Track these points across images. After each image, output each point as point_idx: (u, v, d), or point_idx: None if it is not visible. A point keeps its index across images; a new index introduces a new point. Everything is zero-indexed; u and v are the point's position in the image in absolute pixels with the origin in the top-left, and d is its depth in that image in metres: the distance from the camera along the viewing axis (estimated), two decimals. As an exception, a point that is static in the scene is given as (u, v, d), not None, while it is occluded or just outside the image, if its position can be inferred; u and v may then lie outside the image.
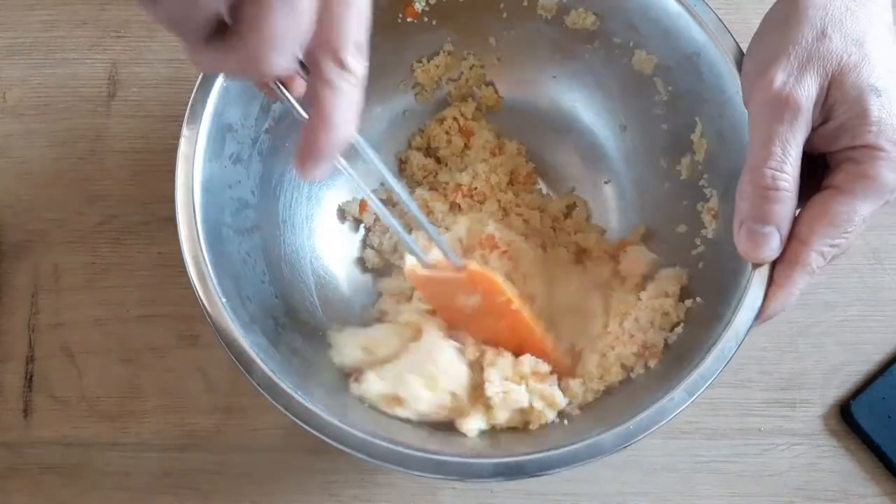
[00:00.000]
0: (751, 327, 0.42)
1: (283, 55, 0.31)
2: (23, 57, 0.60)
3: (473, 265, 0.47)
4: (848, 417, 0.53)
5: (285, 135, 0.52)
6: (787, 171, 0.40)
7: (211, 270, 0.43)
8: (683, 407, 0.41)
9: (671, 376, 0.42)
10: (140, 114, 0.59)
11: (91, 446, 0.53)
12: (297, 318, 0.50)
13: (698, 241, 0.50)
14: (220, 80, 0.46)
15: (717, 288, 0.45)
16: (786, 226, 0.41)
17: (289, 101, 0.38)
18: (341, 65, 0.33)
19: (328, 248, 0.55)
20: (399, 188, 0.44)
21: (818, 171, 0.42)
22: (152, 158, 0.58)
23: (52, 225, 0.57)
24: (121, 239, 0.57)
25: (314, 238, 0.55)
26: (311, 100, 0.34)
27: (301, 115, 0.37)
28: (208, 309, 0.42)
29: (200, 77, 0.46)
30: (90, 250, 0.57)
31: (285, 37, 0.31)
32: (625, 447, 0.41)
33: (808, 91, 0.40)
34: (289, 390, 0.41)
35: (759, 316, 0.42)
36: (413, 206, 0.45)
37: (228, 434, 0.53)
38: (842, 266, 0.56)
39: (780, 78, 0.40)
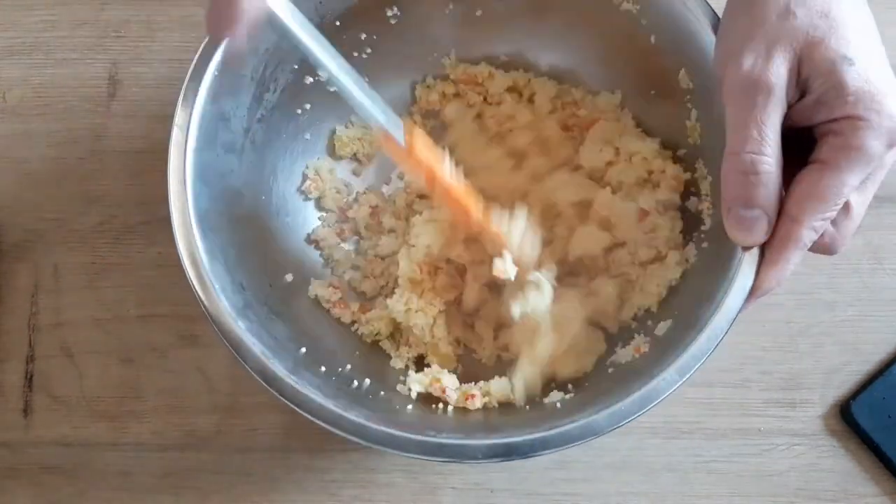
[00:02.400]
0: (742, 307, 0.42)
1: None
2: (23, 57, 0.60)
3: (415, 147, 0.47)
4: (848, 417, 0.53)
5: (277, 125, 0.52)
6: (767, 152, 0.40)
7: (204, 260, 0.43)
8: (675, 387, 0.41)
9: (663, 359, 0.42)
10: (140, 114, 0.59)
11: (91, 446, 0.53)
12: (291, 307, 0.50)
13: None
14: (211, 70, 0.46)
15: (708, 270, 0.46)
16: (772, 207, 0.41)
17: None
18: None
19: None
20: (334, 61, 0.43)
21: (805, 145, 0.42)
22: (152, 158, 0.58)
23: (52, 225, 0.57)
24: (121, 239, 0.57)
25: (308, 228, 0.55)
26: None
27: None
28: (202, 296, 0.43)
29: (192, 66, 0.46)
30: (90, 250, 0.57)
31: None
32: (618, 427, 0.41)
33: (777, 70, 0.40)
34: (282, 375, 0.41)
35: (753, 293, 0.42)
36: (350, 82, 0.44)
37: (228, 434, 0.53)
38: (842, 266, 0.56)
39: (748, 60, 0.40)
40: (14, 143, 0.59)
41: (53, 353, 0.55)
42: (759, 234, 0.41)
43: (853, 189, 0.40)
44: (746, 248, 0.42)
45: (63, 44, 0.60)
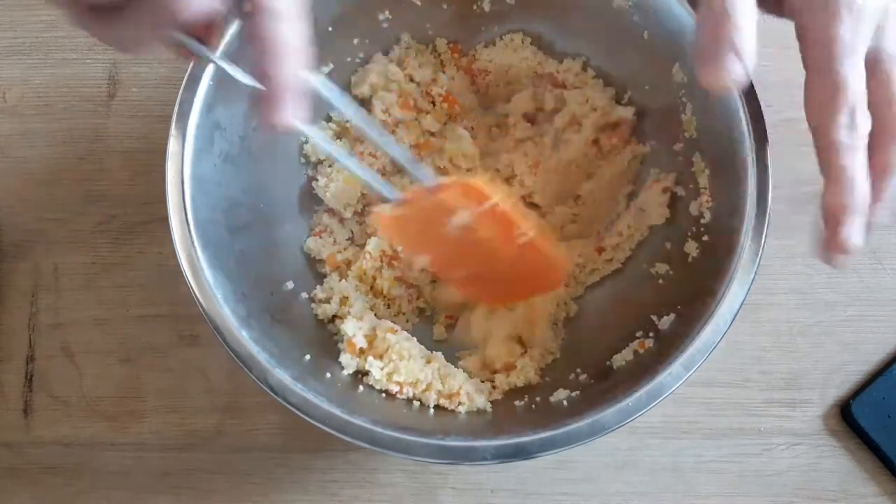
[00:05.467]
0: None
1: None
2: (23, 57, 0.60)
3: (446, 179, 0.44)
4: (848, 417, 0.53)
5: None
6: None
7: (206, 270, 0.43)
8: (681, 381, 0.41)
9: (668, 354, 0.43)
10: (140, 114, 0.59)
11: (91, 446, 0.53)
12: (293, 315, 0.50)
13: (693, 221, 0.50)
14: (207, 78, 0.46)
15: (710, 264, 0.46)
16: (746, 48, 0.38)
17: (211, 59, 0.33)
18: None
19: (320, 245, 0.55)
20: (354, 110, 0.42)
21: None
22: (152, 158, 0.58)
23: (52, 225, 0.57)
24: (121, 239, 0.57)
25: (307, 236, 0.55)
26: (252, 40, 0.30)
27: (243, 77, 0.33)
28: (205, 308, 0.43)
29: (187, 75, 0.46)
30: (90, 250, 0.57)
31: None
32: (626, 423, 0.41)
33: None
34: (289, 384, 0.41)
35: (836, 222, 0.40)
36: (373, 130, 0.44)
37: (228, 434, 0.53)
38: (842, 266, 0.56)
39: None
40: (14, 143, 0.59)
41: (53, 353, 0.55)
42: (733, 73, 0.38)
43: (849, 55, 0.39)
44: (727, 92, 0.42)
45: (63, 44, 0.61)
